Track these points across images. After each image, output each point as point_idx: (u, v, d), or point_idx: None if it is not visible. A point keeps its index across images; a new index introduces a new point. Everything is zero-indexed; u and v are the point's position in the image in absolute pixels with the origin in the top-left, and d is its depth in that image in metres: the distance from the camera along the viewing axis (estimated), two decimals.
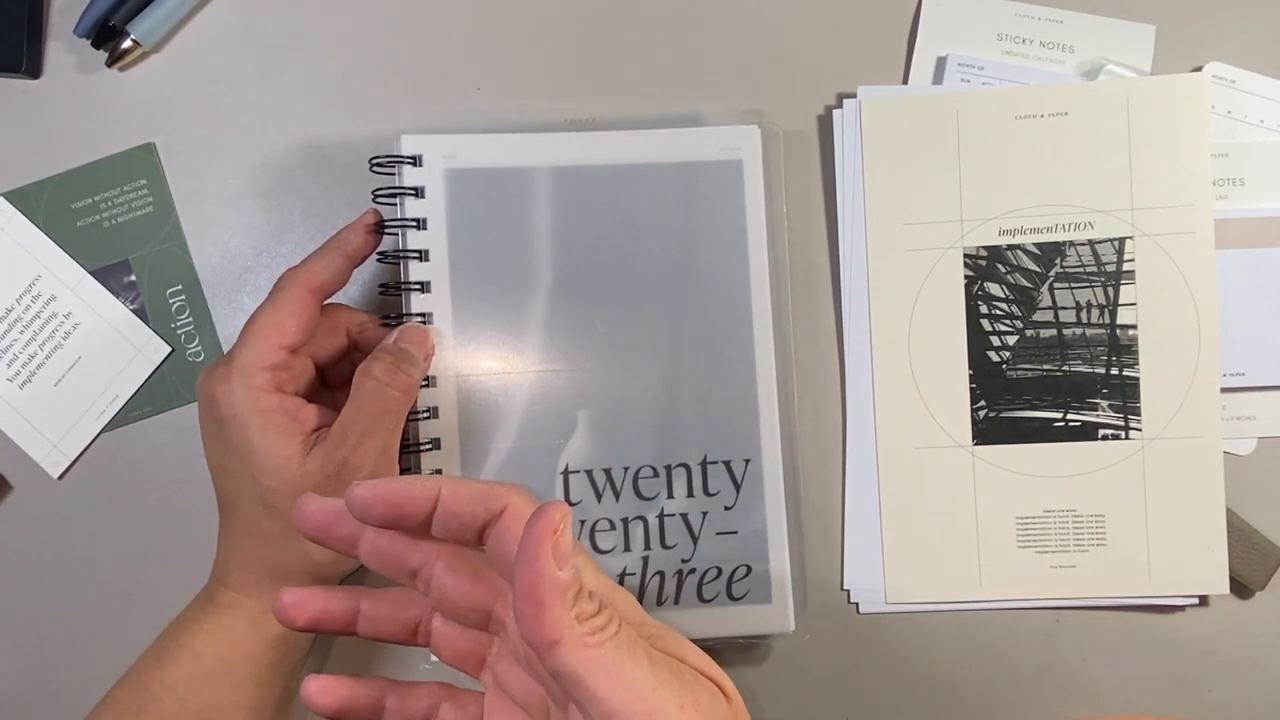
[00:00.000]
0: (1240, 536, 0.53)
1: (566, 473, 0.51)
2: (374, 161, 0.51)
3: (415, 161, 0.50)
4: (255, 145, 0.55)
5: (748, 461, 0.52)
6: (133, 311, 0.54)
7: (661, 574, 0.51)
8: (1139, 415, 0.53)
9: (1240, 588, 0.54)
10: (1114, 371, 0.53)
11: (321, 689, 0.37)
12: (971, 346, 0.54)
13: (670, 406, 0.52)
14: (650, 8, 0.55)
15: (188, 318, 0.55)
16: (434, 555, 0.37)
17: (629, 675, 0.32)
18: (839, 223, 0.54)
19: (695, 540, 0.51)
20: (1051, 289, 0.53)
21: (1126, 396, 0.53)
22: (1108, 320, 0.53)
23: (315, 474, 0.45)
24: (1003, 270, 0.54)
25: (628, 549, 0.51)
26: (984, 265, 0.54)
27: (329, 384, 0.51)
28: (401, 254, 0.50)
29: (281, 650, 0.48)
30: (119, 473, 0.54)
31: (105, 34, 0.54)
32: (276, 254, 0.55)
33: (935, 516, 0.54)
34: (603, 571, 0.38)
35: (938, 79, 0.55)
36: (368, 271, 0.53)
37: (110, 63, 0.54)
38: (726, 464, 0.52)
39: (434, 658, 0.50)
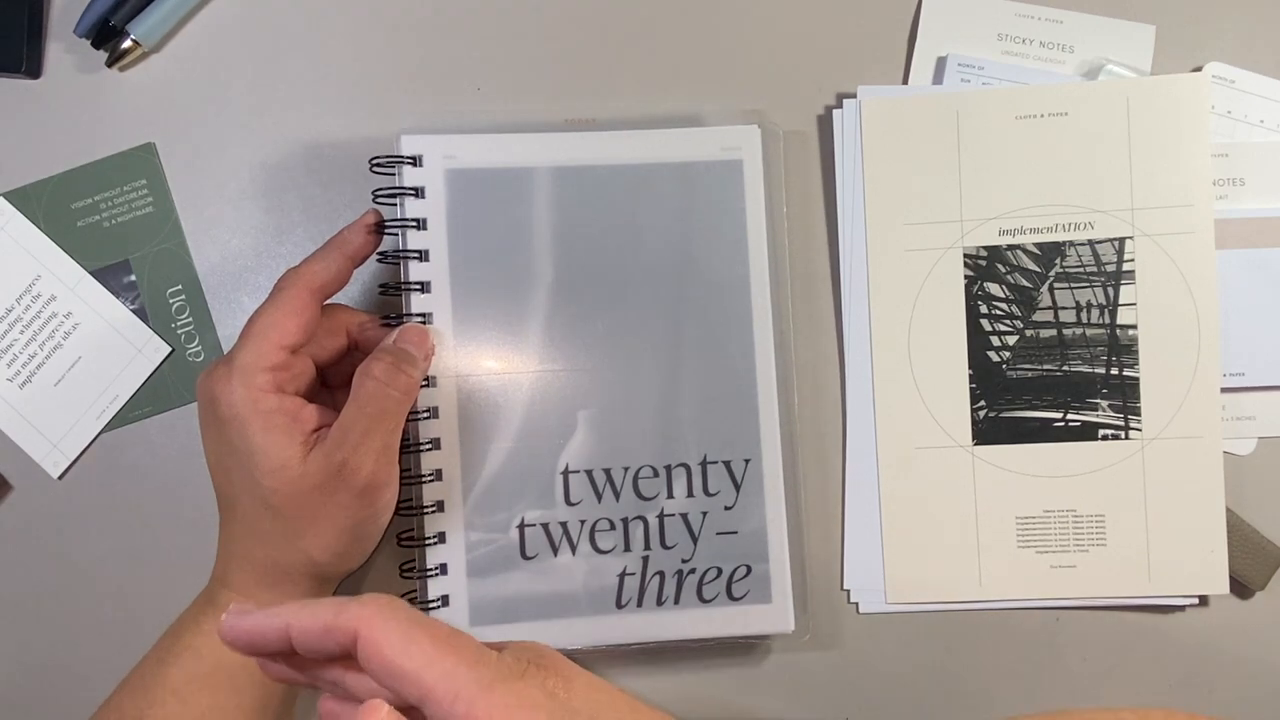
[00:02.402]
0: (1240, 536, 0.53)
1: (566, 473, 0.51)
2: (374, 162, 0.51)
3: (415, 162, 0.50)
4: (255, 145, 0.55)
5: (748, 461, 0.52)
6: (133, 311, 0.54)
7: (661, 574, 0.51)
8: (1139, 415, 0.53)
9: (1240, 588, 0.54)
10: (1114, 371, 0.53)
11: (330, 713, 0.37)
12: (971, 346, 0.54)
13: (670, 406, 0.52)
14: (650, 8, 0.55)
15: (188, 318, 0.55)
16: (343, 670, 0.36)
17: None
18: (839, 223, 0.54)
19: (695, 540, 0.51)
20: (1051, 289, 0.53)
21: (1126, 396, 0.53)
22: (1108, 320, 0.53)
23: (315, 474, 0.45)
24: (1003, 270, 0.54)
25: (628, 549, 0.51)
26: (984, 265, 0.54)
27: (329, 384, 0.51)
28: (401, 254, 0.50)
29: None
30: (119, 473, 0.54)
31: (105, 34, 0.54)
32: (276, 254, 0.55)
33: (935, 516, 0.54)
34: (477, 658, 0.34)
35: (938, 79, 0.55)
36: (368, 271, 0.53)
37: (110, 63, 0.54)
38: (726, 464, 0.52)
39: None
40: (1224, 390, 0.53)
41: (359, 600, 0.34)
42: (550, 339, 0.51)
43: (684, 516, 0.51)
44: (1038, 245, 0.53)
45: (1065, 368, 0.53)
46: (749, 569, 0.52)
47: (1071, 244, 0.53)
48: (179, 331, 0.55)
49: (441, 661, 0.33)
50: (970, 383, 0.54)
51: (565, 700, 0.35)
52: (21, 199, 0.54)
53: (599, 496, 0.51)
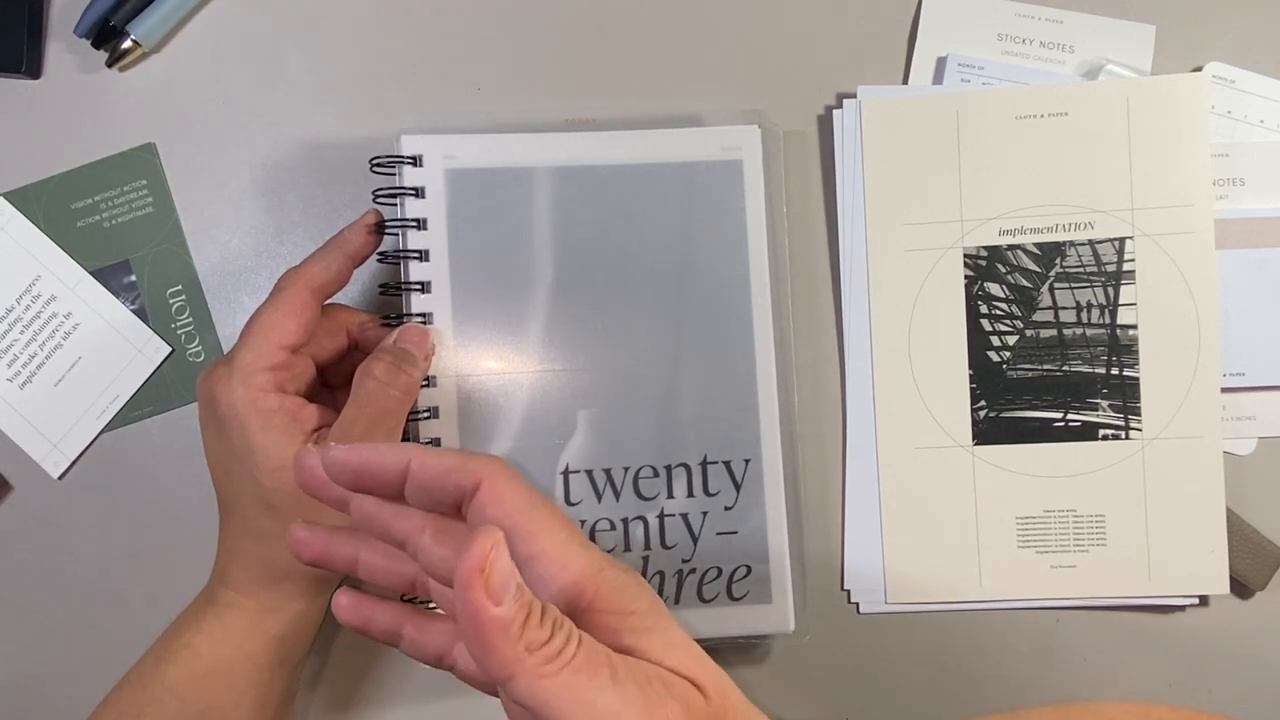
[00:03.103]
0: (1240, 536, 0.53)
1: (566, 473, 0.51)
2: (374, 162, 0.51)
3: (415, 162, 0.50)
4: (255, 145, 0.55)
5: (748, 461, 0.52)
6: (133, 311, 0.54)
7: (662, 574, 0.51)
8: (1139, 415, 0.53)
9: (1240, 588, 0.54)
10: (1114, 371, 0.53)
11: (348, 605, 0.38)
12: (971, 346, 0.54)
13: (670, 406, 0.52)
14: (650, 8, 0.55)
15: (188, 318, 0.55)
16: (420, 525, 0.36)
17: (589, 700, 0.31)
18: (839, 223, 0.54)
19: (695, 540, 0.51)
20: (1051, 289, 0.54)
21: (1126, 396, 0.53)
22: (1108, 320, 0.53)
23: None
24: (1003, 270, 0.54)
25: (628, 549, 0.51)
26: (984, 265, 0.54)
27: (329, 384, 0.51)
28: (402, 254, 0.50)
29: (282, 650, 0.48)
30: (119, 473, 0.54)
31: (105, 34, 0.54)
32: (276, 254, 0.55)
33: (935, 516, 0.54)
34: (587, 544, 0.36)
35: (938, 79, 0.55)
36: (368, 271, 0.53)
37: (110, 63, 0.54)
38: (726, 464, 0.52)
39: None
40: (1224, 390, 0.53)
41: (485, 455, 0.35)
42: (550, 339, 0.51)
43: (684, 516, 0.51)
44: (1038, 245, 0.53)
45: (1065, 368, 0.53)
46: (749, 569, 0.52)
47: (1071, 244, 0.53)
48: (179, 331, 0.55)
49: (560, 531, 0.35)
50: (970, 383, 0.54)
51: (655, 606, 0.36)
52: (21, 199, 0.54)
53: (599, 496, 0.51)
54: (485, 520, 0.34)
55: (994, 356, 0.54)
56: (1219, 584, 0.53)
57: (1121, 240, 0.53)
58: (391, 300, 0.51)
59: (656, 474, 0.51)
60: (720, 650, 0.54)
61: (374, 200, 0.50)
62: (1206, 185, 0.53)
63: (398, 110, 0.55)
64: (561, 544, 0.35)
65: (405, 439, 0.49)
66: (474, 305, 0.51)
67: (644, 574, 0.51)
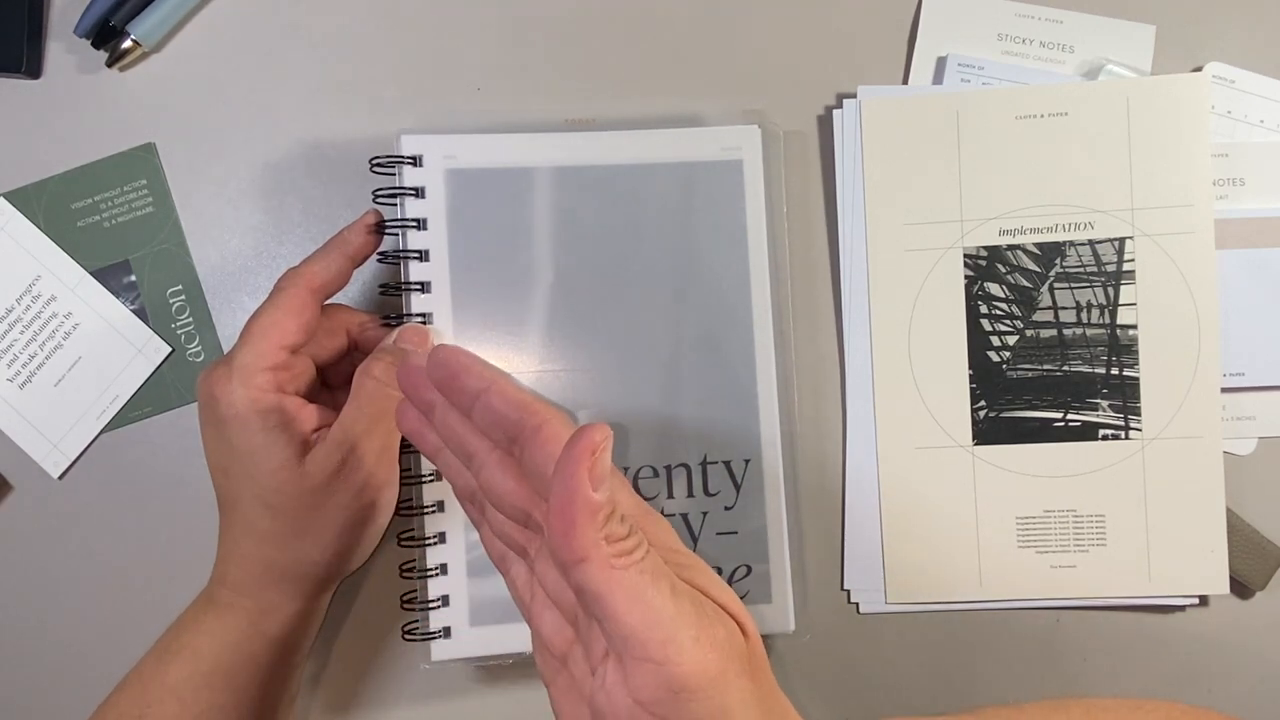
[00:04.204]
0: (1240, 536, 0.53)
1: None
2: (374, 161, 0.51)
3: (415, 162, 0.50)
4: (255, 145, 0.55)
5: (748, 461, 0.52)
6: (133, 311, 0.54)
7: None
8: (1139, 415, 0.53)
9: (1240, 588, 0.54)
10: (1114, 371, 0.53)
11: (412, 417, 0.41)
12: (971, 346, 0.54)
13: (670, 406, 0.52)
14: (650, 8, 0.55)
15: (188, 318, 0.55)
16: (490, 449, 0.38)
17: (649, 601, 0.33)
18: (839, 223, 0.54)
19: (695, 540, 0.51)
20: (1051, 289, 0.54)
21: (1126, 396, 0.53)
22: (1108, 320, 0.53)
23: (315, 474, 0.45)
24: (1003, 270, 0.54)
25: None
26: (984, 265, 0.54)
27: (329, 384, 0.51)
28: (402, 254, 0.50)
29: (282, 650, 0.48)
30: (119, 473, 0.54)
31: (105, 34, 0.54)
32: (276, 254, 0.55)
33: (935, 516, 0.54)
34: (640, 498, 0.38)
35: (938, 79, 0.55)
36: (368, 272, 0.53)
37: (110, 63, 0.54)
38: (726, 464, 0.52)
39: (434, 657, 0.50)
40: (1224, 390, 0.53)
41: (552, 405, 0.36)
42: (550, 339, 0.51)
43: (684, 517, 0.51)
44: (1038, 245, 0.53)
45: (1065, 368, 0.53)
46: (749, 569, 0.52)
47: (1071, 244, 0.53)
48: (179, 331, 0.55)
49: (612, 477, 0.36)
50: (970, 383, 0.54)
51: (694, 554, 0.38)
52: (21, 199, 0.54)
53: None
54: (543, 459, 0.35)
55: (994, 356, 0.54)
56: (1219, 584, 0.53)
57: (1121, 240, 0.53)
58: (391, 300, 0.51)
59: (656, 474, 0.51)
60: None
61: (374, 200, 0.50)
62: (1206, 185, 0.53)
63: (398, 110, 0.55)
64: (615, 486, 0.36)
65: (404, 439, 0.49)
66: (474, 305, 0.51)
67: None
